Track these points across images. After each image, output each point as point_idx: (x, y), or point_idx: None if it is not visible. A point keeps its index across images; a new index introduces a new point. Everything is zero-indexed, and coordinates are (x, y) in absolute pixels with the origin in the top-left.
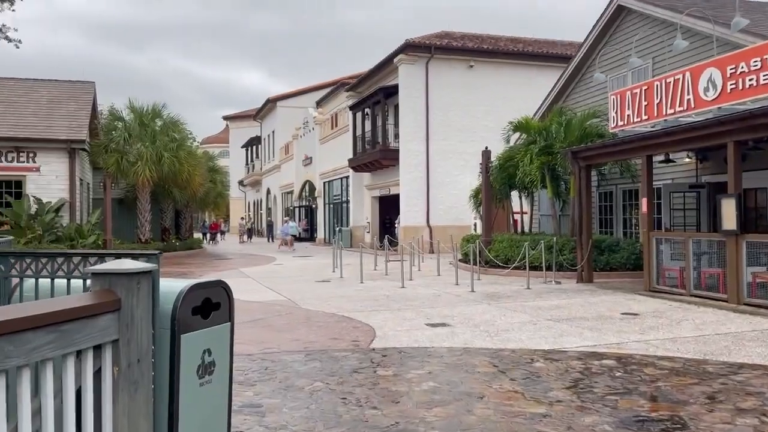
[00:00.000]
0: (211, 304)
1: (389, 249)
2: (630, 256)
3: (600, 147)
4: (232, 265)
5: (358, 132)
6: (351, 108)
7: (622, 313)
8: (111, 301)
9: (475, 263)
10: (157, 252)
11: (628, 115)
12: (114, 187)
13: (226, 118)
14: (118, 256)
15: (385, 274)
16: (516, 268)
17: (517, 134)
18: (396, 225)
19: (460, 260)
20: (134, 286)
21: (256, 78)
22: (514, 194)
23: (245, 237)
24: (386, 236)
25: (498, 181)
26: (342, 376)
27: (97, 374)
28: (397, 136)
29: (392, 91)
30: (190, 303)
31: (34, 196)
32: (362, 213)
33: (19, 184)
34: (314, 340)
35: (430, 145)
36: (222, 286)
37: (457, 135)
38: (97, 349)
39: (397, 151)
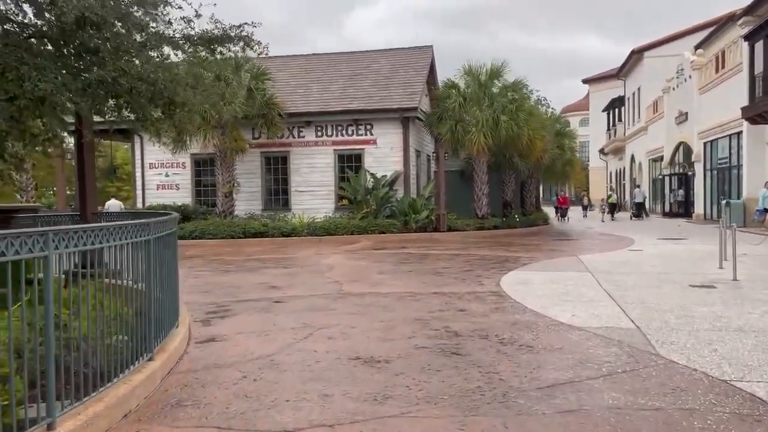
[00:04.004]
0: None
1: None
2: None
3: None
4: (573, 248)
5: (758, 69)
6: (746, 38)
7: None
8: None
9: None
10: None
11: None
12: (448, 157)
13: (585, 81)
14: None
15: None
16: None
17: None
18: None
19: None
20: None
21: (595, 42)
22: None
23: (606, 214)
24: None
25: None
26: None
27: None
28: None
29: None
30: None
31: (368, 171)
32: (762, 180)
33: (358, 157)
34: None
35: None
36: None
37: None
38: None
39: None
